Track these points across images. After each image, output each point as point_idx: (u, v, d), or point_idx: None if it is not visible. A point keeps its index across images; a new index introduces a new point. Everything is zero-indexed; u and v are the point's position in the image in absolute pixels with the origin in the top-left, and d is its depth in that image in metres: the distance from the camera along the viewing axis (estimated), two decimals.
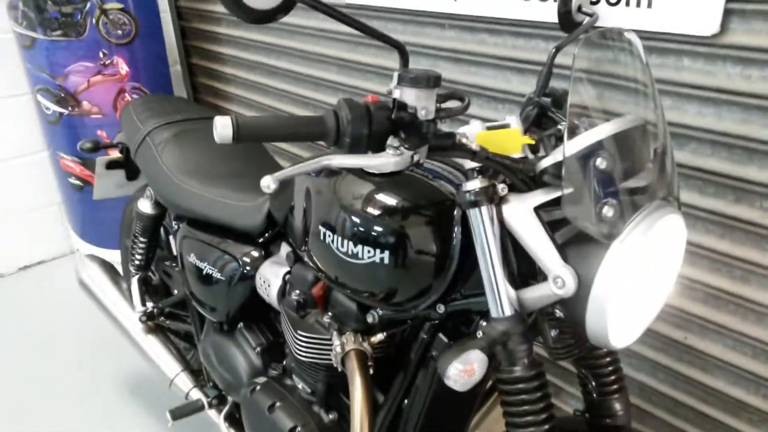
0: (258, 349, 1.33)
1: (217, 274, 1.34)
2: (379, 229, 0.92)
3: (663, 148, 0.79)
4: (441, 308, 0.95)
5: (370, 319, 1.05)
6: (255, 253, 1.29)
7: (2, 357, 2.13)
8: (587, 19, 1.07)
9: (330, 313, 1.11)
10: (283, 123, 0.74)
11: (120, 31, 2.09)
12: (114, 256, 2.45)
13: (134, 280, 1.56)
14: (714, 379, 1.27)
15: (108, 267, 1.71)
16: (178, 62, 2.63)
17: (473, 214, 0.81)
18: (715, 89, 1.11)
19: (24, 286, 2.54)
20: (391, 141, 0.77)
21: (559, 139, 0.92)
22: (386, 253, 0.92)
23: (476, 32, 1.40)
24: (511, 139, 0.84)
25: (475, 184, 0.80)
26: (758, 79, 1.05)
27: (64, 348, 2.17)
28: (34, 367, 2.08)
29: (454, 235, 0.88)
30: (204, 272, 1.36)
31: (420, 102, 0.75)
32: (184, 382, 1.51)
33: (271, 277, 1.23)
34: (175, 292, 1.64)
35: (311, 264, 1.09)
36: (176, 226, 1.50)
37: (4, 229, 2.55)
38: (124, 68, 2.15)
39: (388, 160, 0.74)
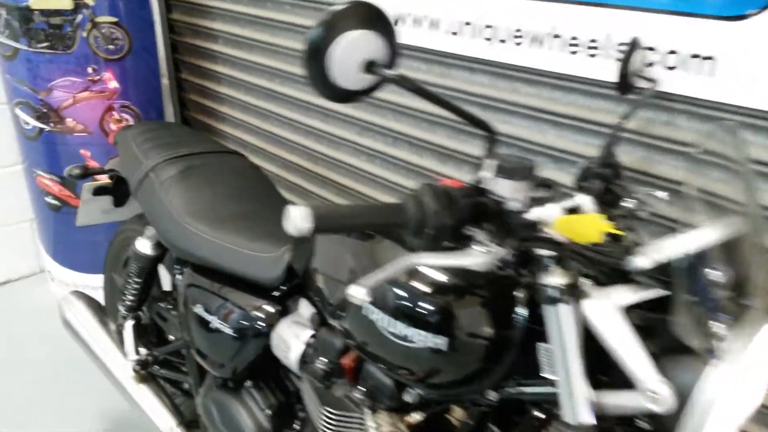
0: (268, 411, 1.23)
1: (226, 329, 1.24)
2: (437, 312, 0.84)
3: (760, 246, 0.73)
4: (492, 395, 0.87)
5: (407, 398, 0.97)
6: (271, 309, 1.20)
7: None
8: (646, 84, 1.02)
9: (361, 388, 1.02)
10: (360, 212, 0.66)
11: (112, 46, 1.95)
12: (86, 280, 2.31)
13: (128, 325, 1.43)
14: None
15: (95, 306, 1.58)
16: (167, 76, 2.49)
17: (551, 310, 0.74)
18: None
19: None
20: (473, 232, 0.70)
21: (633, 219, 0.86)
22: (443, 339, 0.84)
23: (511, 80, 1.34)
24: (593, 226, 0.77)
25: (557, 279, 0.73)
26: None
27: (33, 379, 2.00)
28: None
29: (517, 318, 0.82)
30: (211, 325, 1.26)
31: (513, 193, 0.68)
32: None
33: (291, 339, 1.14)
34: (171, 338, 1.52)
35: (342, 332, 1.00)
36: (178, 270, 1.39)
37: None
38: (113, 84, 2.01)
39: (478, 259, 0.67)
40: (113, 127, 2.05)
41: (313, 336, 1.12)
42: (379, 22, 0.68)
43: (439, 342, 0.84)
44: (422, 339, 0.84)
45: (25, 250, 2.50)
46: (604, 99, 1.20)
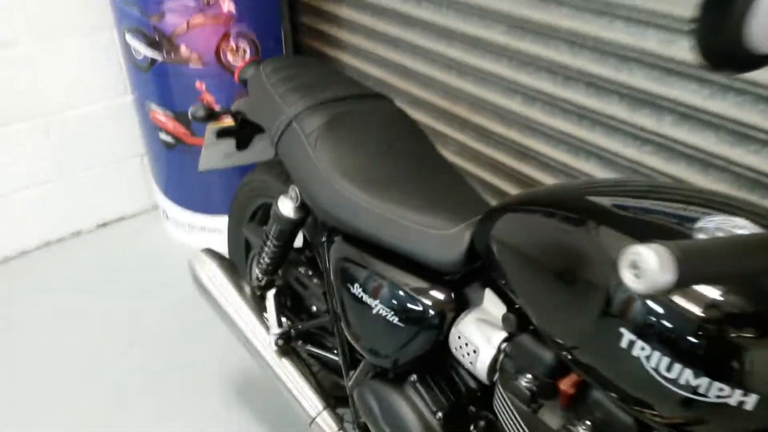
0: (439, 414, 1.04)
1: (390, 316, 1.04)
2: (753, 362, 0.59)
3: None
4: None
5: None
6: (448, 299, 0.99)
7: (80, 327, 1.92)
8: None
9: (586, 421, 0.80)
10: (741, 251, 0.41)
11: None
12: (202, 221, 2.19)
13: (270, 295, 1.27)
14: None
15: (229, 268, 1.43)
16: None
17: None
18: None
19: (104, 244, 2.31)
20: None
21: None
22: (753, 396, 0.60)
23: None
24: None
25: None
26: None
27: (152, 323, 1.94)
28: (116, 342, 1.87)
29: None
30: (370, 310, 1.07)
31: None
32: (328, 424, 1.25)
33: (478, 341, 0.93)
34: (313, 308, 1.35)
35: (558, 346, 0.78)
36: (326, 237, 1.20)
37: (80, 182, 2.29)
38: (228, 7, 1.79)
39: None
40: (230, 57, 1.84)
41: (506, 340, 0.91)
42: None
43: (747, 400, 0.60)
44: (722, 393, 0.61)
45: (137, 187, 2.41)
46: None
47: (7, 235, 2.20)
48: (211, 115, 1.45)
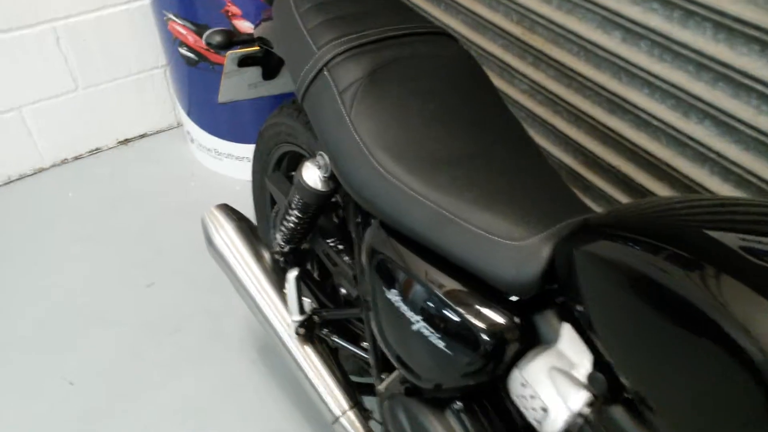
0: None
1: (434, 338, 0.82)
2: None
3: None
4: None
5: None
6: (509, 325, 0.76)
7: (97, 255, 1.79)
8: None
9: None
10: None
11: None
12: (228, 148, 1.97)
13: (290, 278, 1.05)
14: None
15: (246, 230, 1.21)
16: None
17: None
18: None
19: (124, 162, 2.12)
20: None
21: None
22: None
23: None
24: None
25: None
26: None
27: (172, 257, 1.79)
28: (134, 278, 1.73)
29: None
30: (410, 325, 0.85)
31: None
32: (354, 426, 1.08)
33: (549, 397, 0.70)
34: (342, 290, 1.14)
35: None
36: (359, 217, 0.96)
37: (98, 95, 2.06)
38: None
39: None
40: None
41: (591, 404, 0.68)
42: None
43: None
44: None
45: (161, 101, 2.18)
46: None
47: (20, 151, 2.02)
48: (231, 43, 1.19)
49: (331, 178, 0.99)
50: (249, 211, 1.49)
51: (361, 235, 0.96)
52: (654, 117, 1.16)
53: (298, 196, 1.03)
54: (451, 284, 0.81)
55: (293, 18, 0.97)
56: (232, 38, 1.18)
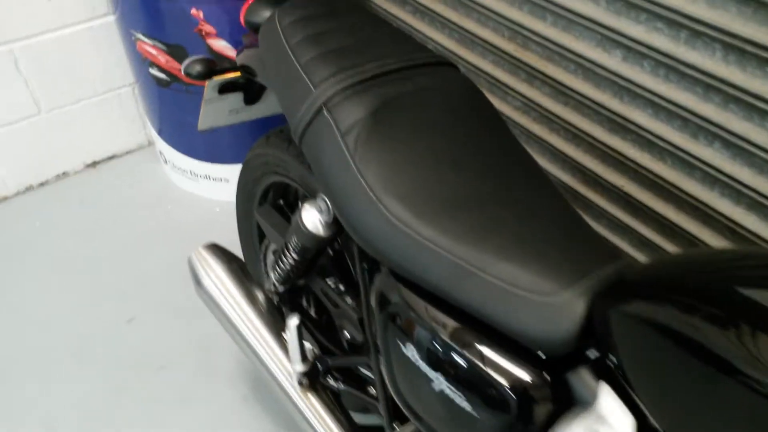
0: None
1: (457, 398, 0.77)
2: None
3: None
4: None
5: None
6: (540, 384, 0.71)
7: (68, 287, 1.68)
8: None
9: None
10: None
11: None
12: (204, 169, 1.88)
13: (291, 326, 0.98)
14: None
15: (237, 270, 1.13)
16: None
17: None
18: None
19: (94, 186, 2.01)
20: None
21: None
22: None
23: None
24: None
25: None
26: None
27: (150, 285, 1.70)
28: (111, 310, 1.64)
29: None
30: (428, 383, 0.79)
31: None
32: None
33: None
34: (345, 333, 1.07)
35: None
36: (366, 264, 0.90)
37: (64, 117, 1.95)
38: None
39: None
40: None
41: None
42: None
43: None
44: None
45: (127, 120, 2.06)
46: None
47: None
48: (212, 72, 1.11)
49: (330, 225, 0.92)
50: (233, 236, 1.41)
51: (368, 282, 0.90)
52: (660, 138, 1.12)
53: (296, 239, 0.96)
54: (473, 340, 0.75)
55: (284, 51, 0.90)
56: (213, 68, 1.11)
